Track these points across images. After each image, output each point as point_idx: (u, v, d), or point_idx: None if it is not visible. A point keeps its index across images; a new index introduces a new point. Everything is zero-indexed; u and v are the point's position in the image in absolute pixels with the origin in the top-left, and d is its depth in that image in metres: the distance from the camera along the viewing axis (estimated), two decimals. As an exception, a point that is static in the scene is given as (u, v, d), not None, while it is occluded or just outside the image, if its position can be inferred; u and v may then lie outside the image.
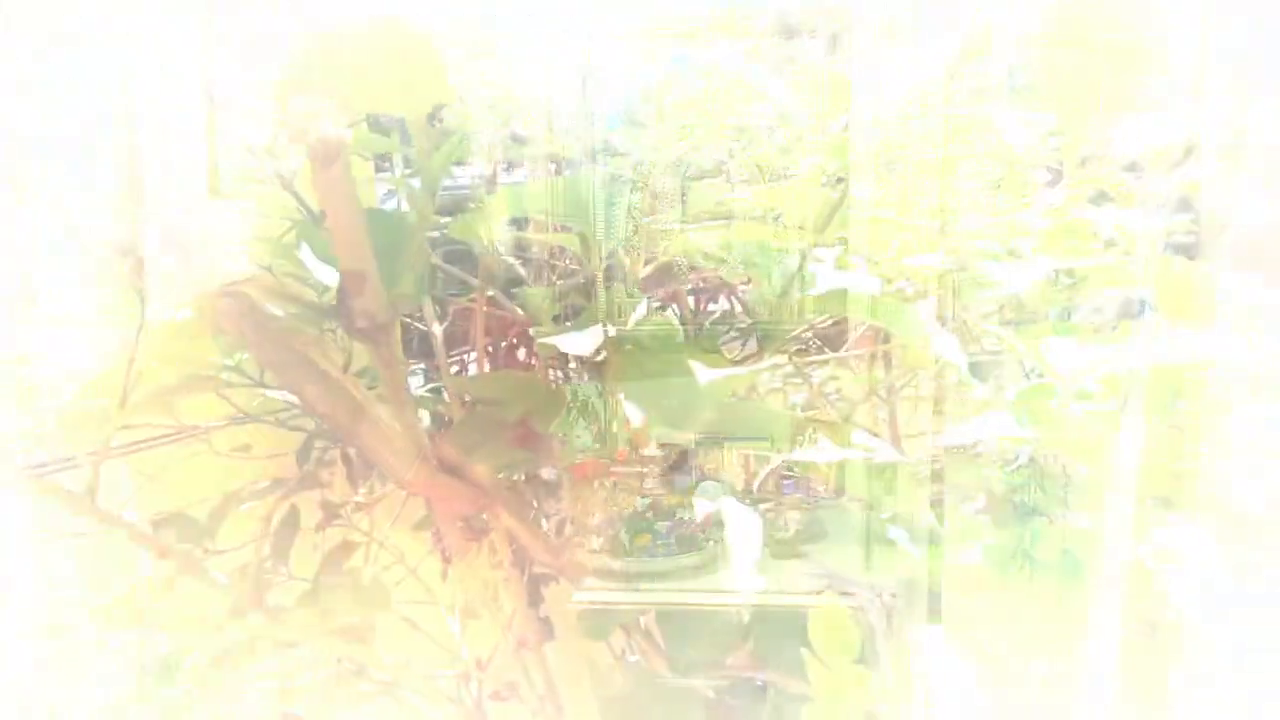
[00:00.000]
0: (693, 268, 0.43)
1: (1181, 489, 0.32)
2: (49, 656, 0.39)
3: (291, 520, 0.58)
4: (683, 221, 0.36)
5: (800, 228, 0.35)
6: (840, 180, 0.40)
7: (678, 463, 0.33)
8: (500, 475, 0.30)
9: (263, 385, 0.38)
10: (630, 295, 0.39)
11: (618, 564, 0.35)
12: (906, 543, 0.40)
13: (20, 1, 0.33)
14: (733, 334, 0.40)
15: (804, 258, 0.36)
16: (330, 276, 0.31)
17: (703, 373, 0.33)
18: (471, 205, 0.37)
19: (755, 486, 0.42)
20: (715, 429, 0.31)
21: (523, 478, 0.38)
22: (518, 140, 0.49)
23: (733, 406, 0.32)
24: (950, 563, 0.34)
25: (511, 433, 0.32)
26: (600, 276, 0.32)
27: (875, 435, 0.54)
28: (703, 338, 0.38)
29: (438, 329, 0.48)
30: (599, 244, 0.33)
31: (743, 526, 0.30)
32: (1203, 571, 0.26)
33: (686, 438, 0.31)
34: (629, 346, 0.33)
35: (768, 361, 0.37)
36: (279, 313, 0.32)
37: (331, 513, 0.71)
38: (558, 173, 0.41)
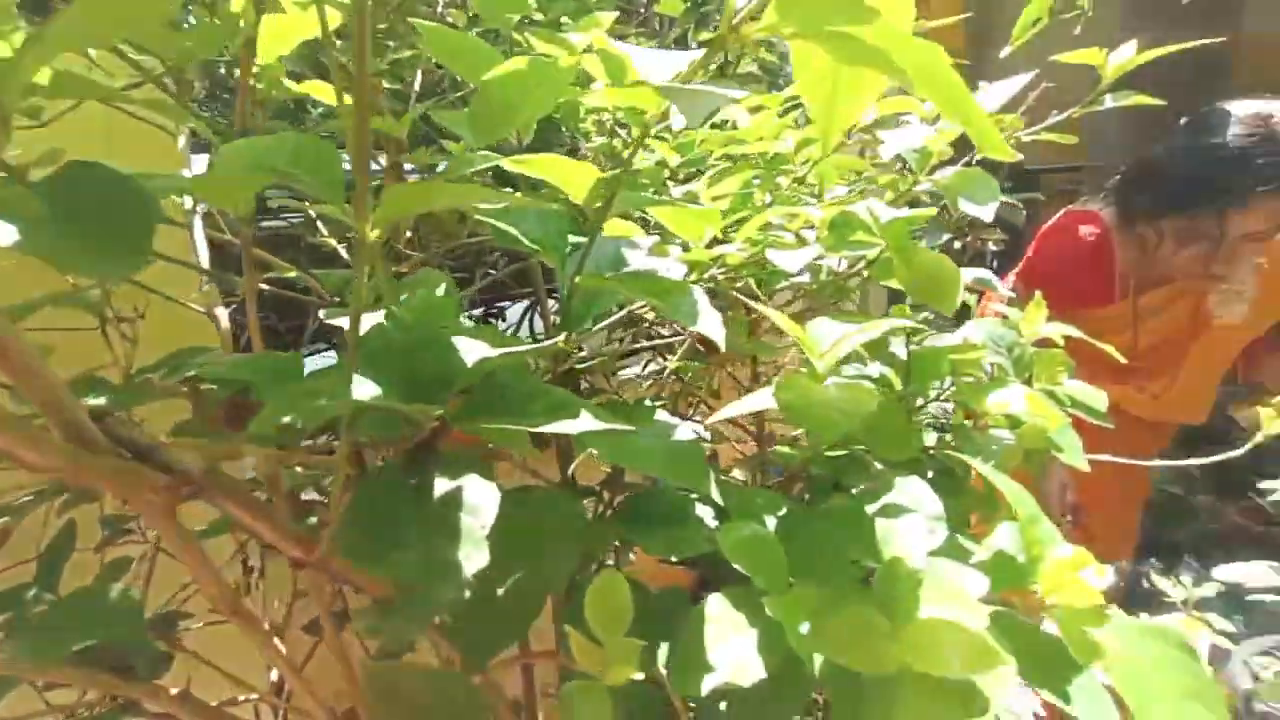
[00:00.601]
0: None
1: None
2: None
3: (66, 537, 0.51)
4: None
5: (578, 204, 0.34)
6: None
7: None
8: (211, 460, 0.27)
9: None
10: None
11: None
12: (710, 519, 0.41)
13: None
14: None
15: (593, 236, 0.36)
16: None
17: (470, 348, 0.32)
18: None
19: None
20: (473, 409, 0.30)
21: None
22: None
23: (492, 385, 0.31)
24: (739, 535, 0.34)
25: (220, 411, 0.29)
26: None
27: (681, 417, 0.55)
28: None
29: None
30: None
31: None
32: (923, 521, 0.28)
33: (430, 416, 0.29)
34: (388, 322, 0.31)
35: (550, 341, 0.36)
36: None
37: (115, 528, 0.63)
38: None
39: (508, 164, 0.33)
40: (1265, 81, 1.20)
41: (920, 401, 0.47)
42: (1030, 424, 0.43)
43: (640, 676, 0.28)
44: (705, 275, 0.45)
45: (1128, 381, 1.31)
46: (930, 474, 0.44)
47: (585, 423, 0.29)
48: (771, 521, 0.39)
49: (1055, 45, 0.72)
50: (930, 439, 0.49)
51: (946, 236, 1.58)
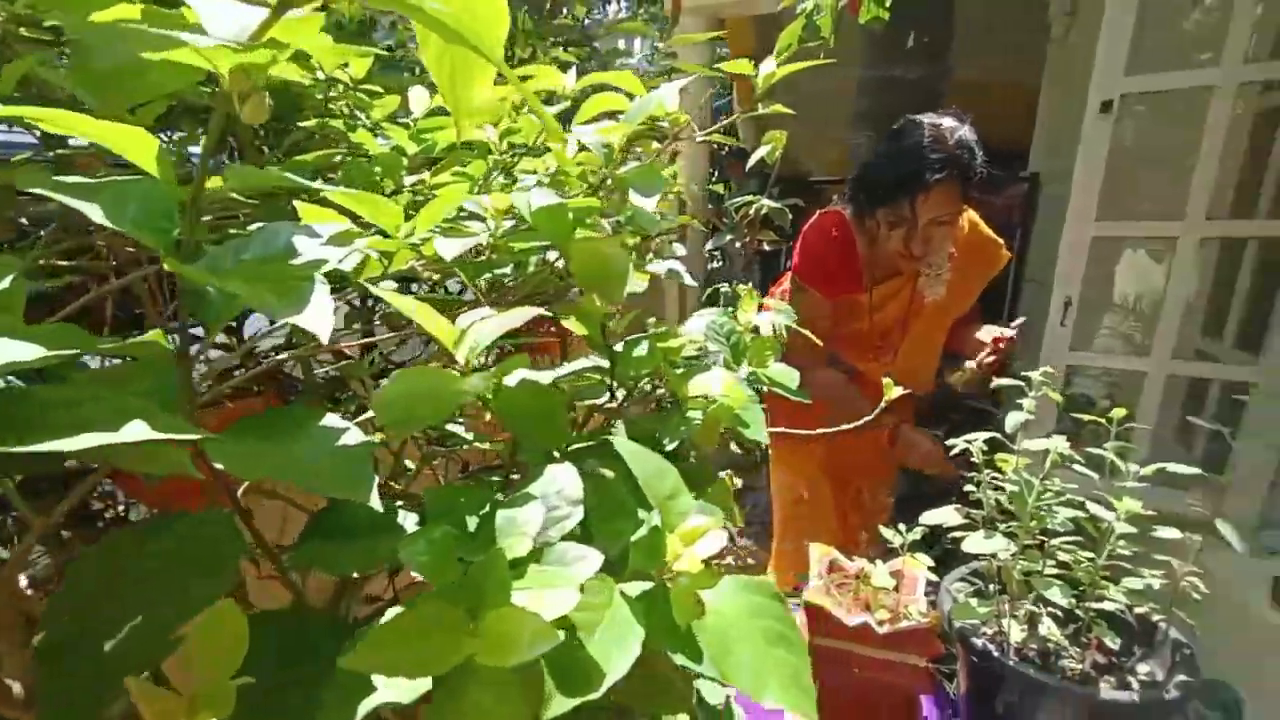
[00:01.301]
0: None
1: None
2: None
3: None
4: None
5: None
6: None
7: None
8: None
9: None
10: None
11: None
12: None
13: None
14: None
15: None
16: None
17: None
18: None
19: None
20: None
21: None
22: None
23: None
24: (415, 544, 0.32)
25: None
26: None
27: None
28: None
29: None
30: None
31: None
32: (541, 510, 0.28)
33: None
34: None
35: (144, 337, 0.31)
36: None
37: None
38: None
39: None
40: (967, 107, 1.46)
41: (622, 390, 0.49)
42: (720, 404, 0.46)
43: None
44: (405, 265, 0.42)
45: (874, 357, 1.54)
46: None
47: (138, 431, 0.25)
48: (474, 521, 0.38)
49: (818, 73, 0.80)
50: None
51: (729, 238, 1.70)
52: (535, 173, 0.50)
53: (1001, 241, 1.51)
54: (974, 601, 0.87)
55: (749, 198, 1.40)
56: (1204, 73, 1.44)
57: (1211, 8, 1.58)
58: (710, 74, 0.95)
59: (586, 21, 1.79)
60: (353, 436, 0.33)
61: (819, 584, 1.02)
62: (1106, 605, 0.84)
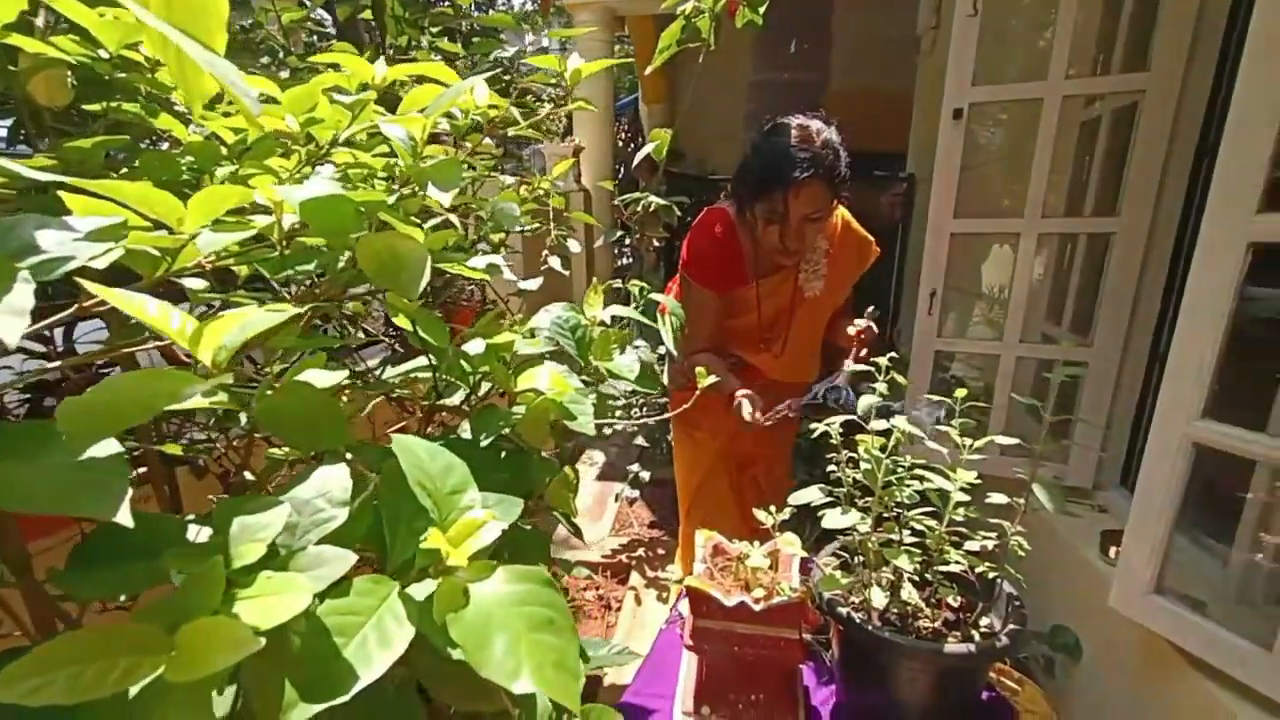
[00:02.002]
0: None
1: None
2: None
3: None
4: None
5: None
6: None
7: None
8: None
9: None
10: None
11: None
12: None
13: None
14: None
15: None
16: None
17: None
18: None
19: None
20: None
21: None
22: None
23: None
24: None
25: None
26: None
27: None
28: None
29: None
30: None
31: None
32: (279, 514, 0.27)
33: None
34: None
35: None
36: None
37: None
38: None
39: None
40: (839, 112, 1.55)
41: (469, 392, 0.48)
42: (545, 398, 0.46)
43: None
44: (192, 261, 0.39)
45: (764, 348, 1.60)
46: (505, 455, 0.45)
47: None
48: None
49: (721, 72, 0.82)
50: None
51: (619, 234, 1.71)
52: (339, 164, 0.48)
53: (872, 238, 1.61)
54: (838, 574, 0.92)
55: (636, 194, 1.41)
56: (1034, 85, 1.61)
57: (1041, 27, 1.76)
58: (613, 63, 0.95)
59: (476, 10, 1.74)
60: (104, 449, 0.31)
61: (703, 569, 1.05)
62: (952, 568, 0.92)
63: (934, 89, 2.77)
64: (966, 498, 0.88)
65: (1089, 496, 1.76)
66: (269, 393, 0.29)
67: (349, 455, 0.34)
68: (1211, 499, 1.26)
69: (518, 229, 1.11)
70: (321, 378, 0.33)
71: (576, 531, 0.64)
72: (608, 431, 2.58)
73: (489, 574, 0.29)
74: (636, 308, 1.50)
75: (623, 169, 3.76)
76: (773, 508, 1.00)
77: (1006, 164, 1.96)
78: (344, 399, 0.72)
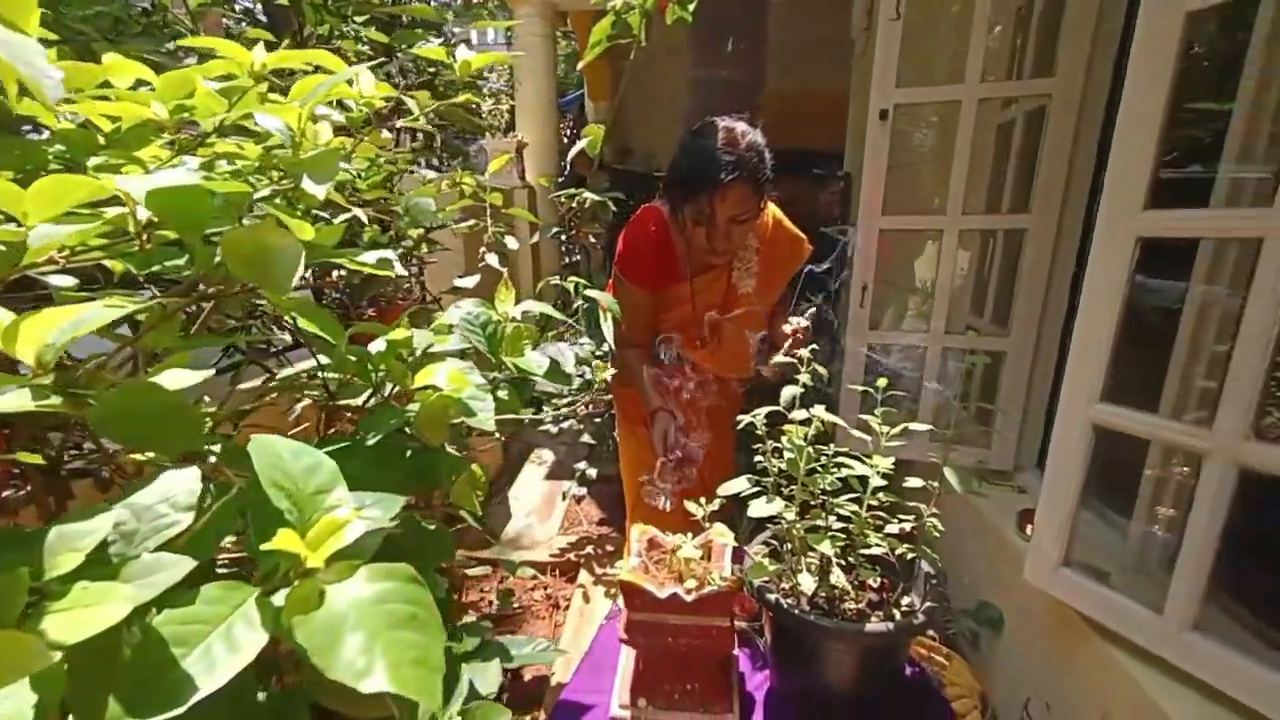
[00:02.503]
0: None
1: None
2: None
3: None
4: None
5: None
6: None
7: None
8: None
9: None
10: None
11: None
12: None
13: None
14: None
15: None
16: None
17: None
18: None
19: None
20: None
21: None
22: None
23: None
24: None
25: None
26: None
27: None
28: None
29: None
30: None
31: None
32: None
33: None
34: None
35: None
36: None
37: None
38: None
39: None
40: (777, 111, 1.59)
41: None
42: (443, 394, 0.45)
43: None
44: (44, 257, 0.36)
45: (701, 344, 1.62)
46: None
47: None
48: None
49: (667, 70, 0.81)
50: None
51: (555, 229, 1.70)
52: (221, 154, 0.45)
53: (804, 236, 1.65)
54: (767, 561, 0.94)
55: (571, 190, 1.40)
56: (953, 88, 1.68)
57: (960, 33, 1.84)
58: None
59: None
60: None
61: (638, 562, 1.05)
62: (874, 550, 0.95)
63: (868, 90, 2.87)
64: (884, 483, 0.91)
65: (1009, 478, 1.86)
66: (110, 392, 0.27)
67: (213, 458, 0.32)
68: (1112, 477, 1.35)
69: (450, 225, 1.09)
70: (178, 378, 0.31)
71: (486, 529, 0.63)
72: (554, 430, 2.56)
73: (350, 574, 0.28)
74: (575, 306, 1.49)
75: (569, 166, 3.74)
76: (703, 499, 1.02)
77: (931, 164, 2.05)
78: (270, 400, 0.69)
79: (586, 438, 2.48)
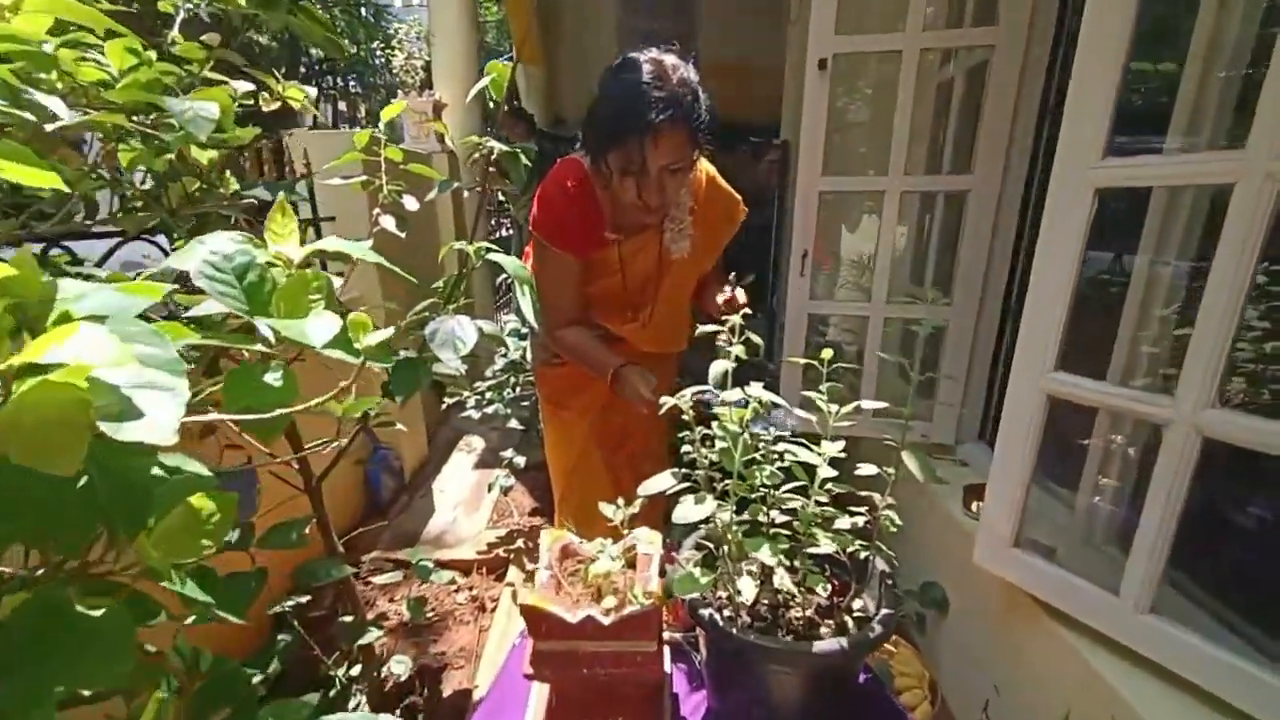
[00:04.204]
0: None
1: None
2: None
3: None
4: None
5: None
6: None
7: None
8: None
9: None
10: None
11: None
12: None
13: None
14: None
15: None
16: None
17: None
18: None
19: None
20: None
21: None
22: None
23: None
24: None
25: None
26: None
27: None
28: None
29: None
30: None
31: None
32: None
33: None
34: None
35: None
36: None
37: None
38: None
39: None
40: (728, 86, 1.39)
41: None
42: (62, 383, 0.24)
43: None
44: None
45: (631, 317, 1.43)
46: None
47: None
48: None
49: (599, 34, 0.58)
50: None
51: (456, 185, 1.46)
52: None
53: (739, 196, 1.47)
54: (698, 571, 0.77)
55: (473, 138, 1.18)
56: (893, 37, 1.54)
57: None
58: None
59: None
60: None
61: (548, 576, 0.86)
62: (823, 549, 0.80)
63: (803, 53, 2.72)
64: (834, 473, 0.75)
65: (951, 452, 1.78)
66: None
67: None
68: (1063, 450, 1.26)
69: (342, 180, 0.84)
70: None
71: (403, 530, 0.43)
72: (475, 415, 2.32)
73: None
74: (465, 270, 1.26)
75: (491, 127, 3.44)
76: (620, 501, 0.83)
77: (871, 127, 1.91)
78: None
79: (515, 423, 2.26)
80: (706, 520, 0.77)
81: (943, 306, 1.72)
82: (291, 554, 0.90)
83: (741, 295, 1.25)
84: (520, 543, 2.20)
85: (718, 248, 1.45)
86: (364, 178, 1.19)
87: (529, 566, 2.08)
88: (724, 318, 1.15)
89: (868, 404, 0.79)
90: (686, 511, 0.70)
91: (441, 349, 0.96)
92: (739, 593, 0.76)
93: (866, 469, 0.79)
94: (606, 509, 0.82)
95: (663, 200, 1.20)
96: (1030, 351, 1.12)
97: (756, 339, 0.81)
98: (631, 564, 0.88)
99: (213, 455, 1.35)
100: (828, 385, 0.85)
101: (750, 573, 0.81)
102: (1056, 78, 1.49)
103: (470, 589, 2.02)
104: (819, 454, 0.74)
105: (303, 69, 8.46)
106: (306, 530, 1.17)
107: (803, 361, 0.92)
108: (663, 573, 0.85)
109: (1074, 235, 1.03)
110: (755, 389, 0.74)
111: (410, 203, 1.33)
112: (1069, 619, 1.12)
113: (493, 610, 1.93)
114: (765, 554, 0.69)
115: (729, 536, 0.75)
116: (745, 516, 0.81)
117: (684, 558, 0.86)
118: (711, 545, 0.84)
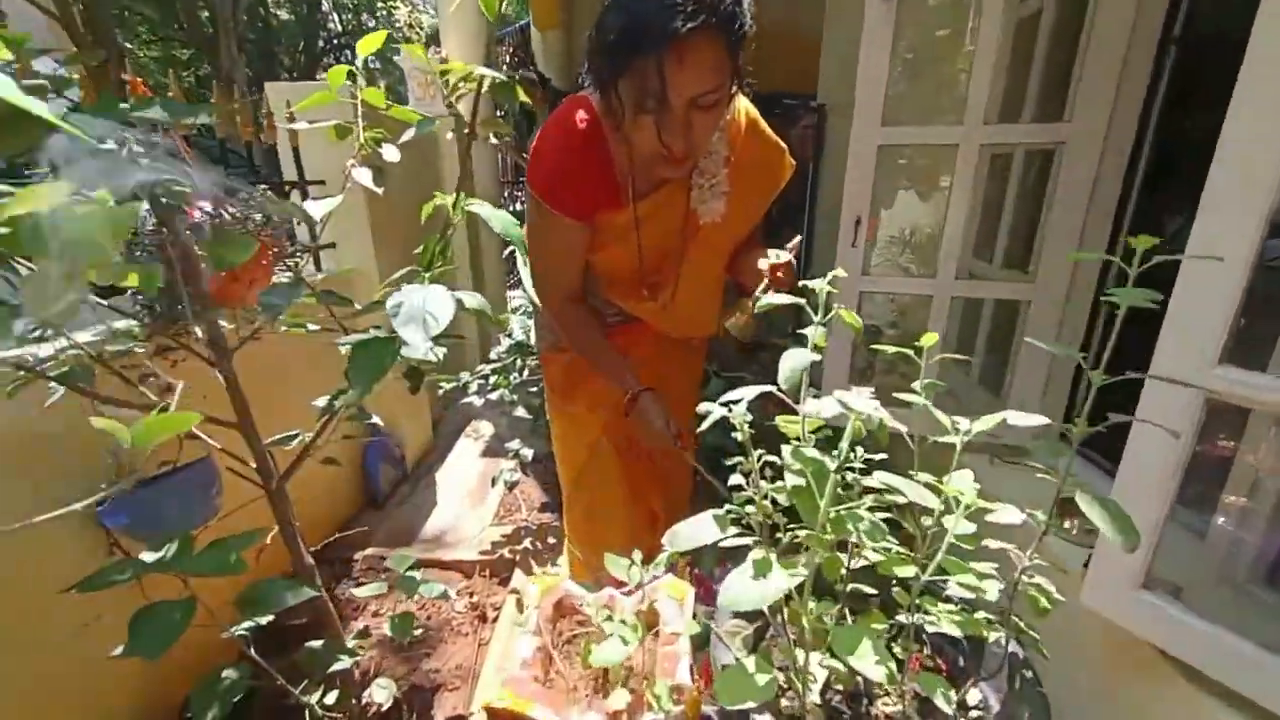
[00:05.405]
0: None
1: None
2: None
3: None
4: None
5: None
6: None
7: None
8: None
9: None
10: None
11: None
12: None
13: None
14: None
15: None
16: None
17: None
18: None
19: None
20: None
21: None
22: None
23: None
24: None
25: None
26: None
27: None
28: None
29: None
30: None
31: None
32: None
33: None
34: None
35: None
36: None
37: None
38: None
39: None
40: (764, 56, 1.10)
41: None
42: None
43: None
44: None
45: (649, 295, 1.15)
46: None
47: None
48: None
49: None
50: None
51: (435, 122, 1.18)
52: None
53: (786, 147, 1.18)
54: (750, 662, 0.51)
55: (460, 65, 0.91)
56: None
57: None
58: None
59: None
60: None
61: (533, 649, 0.61)
62: (944, 628, 0.53)
63: (843, 19, 2.37)
64: (972, 527, 0.48)
65: (1024, 454, 1.49)
66: None
67: None
68: (1194, 464, 0.97)
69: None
70: None
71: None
72: (479, 402, 2.08)
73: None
74: (447, 232, 1.00)
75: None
76: (638, 554, 0.57)
77: (941, 68, 1.59)
78: None
79: (521, 411, 2.01)
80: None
81: (1022, 284, 1.42)
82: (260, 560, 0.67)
83: (786, 258, 0.96)
84: (528, 542, 1.97)
85: (758, 211, 1.15)
86: (336, 121, 0.94)
87: (536, 570, 1.85)
88: (765, 288, 0.84)
89: (1017, 418, 0.52)
90: (741, 593, 0.44)
91: (405, 327, 0.71)
92: (806, 680, 0.50)
93: (1007, 514, 0.51)
94: (619, 567, 0.56)
95: (690, 146, 0.90)
96: (1182, 340, 0.83)
97: (853, 319, 0.53)
98: (651, 624, 0.63)
99: (171, 449, 1.13)
100: (925, 383, 0.57)
101: (821, 663, 0.55)
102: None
103: (470, 594, 1.79)
104: (948, 494, 0.47)
105: (321, 42, 8.21)
106: (269, 540, 0.94)
107: (892, 350, 0.65)
108: (695, 610, 0.59)
109: (1260, 196, 0.73)
110: (856, 398, 0.46)
111: (390, 152, 1.06)
112: (1212, 682, 0.84)
113: (494, 621, 1.70)
114: (869, 664, 0.42)
115: (805, 621, 0.48)
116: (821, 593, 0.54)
117: (727, 631, 0.59)
118: (768, 615, 0.58)
